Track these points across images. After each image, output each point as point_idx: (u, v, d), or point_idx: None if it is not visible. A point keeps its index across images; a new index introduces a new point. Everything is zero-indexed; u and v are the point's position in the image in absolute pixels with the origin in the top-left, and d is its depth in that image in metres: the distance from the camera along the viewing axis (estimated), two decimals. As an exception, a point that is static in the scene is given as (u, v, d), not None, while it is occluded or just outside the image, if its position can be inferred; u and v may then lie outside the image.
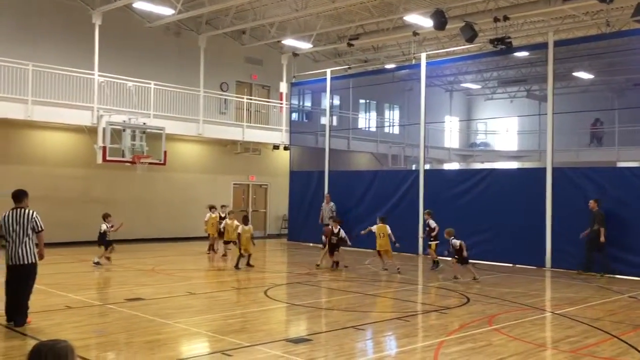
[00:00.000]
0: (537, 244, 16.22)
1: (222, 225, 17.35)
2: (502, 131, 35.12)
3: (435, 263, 15.59)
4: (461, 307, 10.39)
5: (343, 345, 7.67)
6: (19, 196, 8.55)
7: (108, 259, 15.34)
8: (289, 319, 9.93)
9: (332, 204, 20.69)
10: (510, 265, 16.45)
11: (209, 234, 18.41)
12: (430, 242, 15.82)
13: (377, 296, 11.49)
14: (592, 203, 14.72)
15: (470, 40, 18.60)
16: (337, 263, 15.30)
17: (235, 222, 16.23)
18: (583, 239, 14.86)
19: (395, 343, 8.19)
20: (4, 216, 8.43)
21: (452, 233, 14.01)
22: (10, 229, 8.31)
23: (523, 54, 22.82)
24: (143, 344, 7.55)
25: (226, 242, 17.05)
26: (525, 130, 32.59)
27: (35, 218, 8.43)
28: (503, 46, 17.71)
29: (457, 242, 13.73)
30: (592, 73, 28.30)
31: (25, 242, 8.33)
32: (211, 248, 18.26)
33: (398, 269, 14.60)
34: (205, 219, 18.39)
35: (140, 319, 9.00)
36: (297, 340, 7.78)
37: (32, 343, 7.38)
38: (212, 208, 18.55)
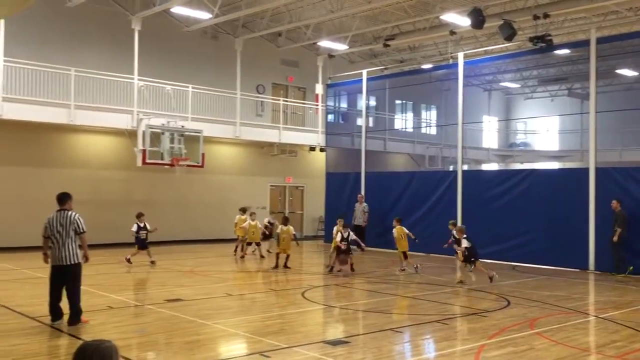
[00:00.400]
0: (580, 246, 15.83)
1: (245, 224, 17.38)
2: (542, 131, 34.46)
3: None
4: (501, 310, 10.20)
5: (381, 347, 7.61)
6: (63, 199, 8.79)
7: (128, 260, 15.63)
8: (327, 320, 9.92)
9: (365, 204, 20.57)
10: (552, 267, 16.08)
11: (237, 236, 18.20)
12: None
13: (415, 298, 11.38)
14: (614, 203, 14.81)
15: (509, 38, 18.31)
16: (352, 266, 14.67)
17: (257, 222, 16.90)
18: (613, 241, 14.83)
19: (434, 346, 8.08)
20: (49, 218, 8.69)
21: (463, 231, 13.94)
22: (55, 230, 8.55)
23: (564, 51, 22.35)
24: (183, 345, 7.64)
25: (249, 244, 17.29)
26: (566, 129, 31.92)
27: (77, 220, 8.63)
28: (543, 44, 17.36)
29: (465, 242, 13.46)
30: (636, 70, 27.54)
31: (68, 243, 8.54)
32: (238, 249, 18.03)
33: (416, 267, 14.66)
34: (235, 221, 18.21)
35: (179, 319, 9.11)
36: (335, 343, 7.76)
37: (76, 343, 7.55)
38: (244, 210, 18.27)
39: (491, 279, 13.30)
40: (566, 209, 16.27)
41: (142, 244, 15.67)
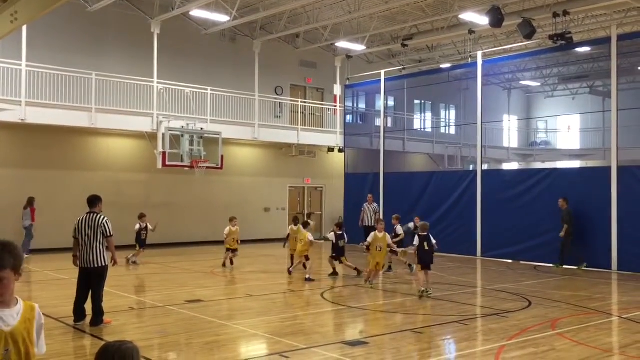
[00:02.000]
0: (602, 246, 15.63)
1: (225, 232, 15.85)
2: (563, 129, 34.07)
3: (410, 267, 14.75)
4: (522, 310, 10.12)
5: (400, 348, 7.60)
6: (93, 201, 8.97)
7: (132, 261, 16.01)
8: (346, 321, 9.92)
9: (375, 205, 20.46)
10: (574, 267, 15.90)
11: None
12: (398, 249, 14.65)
13: (435, 299, 11.33)
14: (561, 202, 16.03)
15: (529, 36, 18.16)
16: (356, 268, 14.12)
17: (237, 228, 15.62)
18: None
19: (454, 347, 8.05)
20: (78, 220, 8.85)
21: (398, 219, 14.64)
22: (83, 232, 8.70)
23: (585, 49, 22.10)
24: (203, 345, 7.70)
25: (229, 250, 15.77)
26: (588, 127, 31.51)
27: (105, 223, 8.76)
28: (563, 42, 17.19)
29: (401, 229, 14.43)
30: (659, 67, 27.09)
31: (96, 246, 8.67)
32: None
33: (410, 265, 14.68)
34: (226, 232, 15.98)
35: (200, 320, 9.18)
36: (354, 343, 7.76)
37: (98, 343, 7.65)
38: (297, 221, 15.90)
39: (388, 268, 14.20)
40: (588, 208, 16.08)
41: (142, 243, 16.24)
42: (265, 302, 11.34)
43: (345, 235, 14.54)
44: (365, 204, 20.59)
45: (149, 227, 16.34)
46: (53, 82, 18.24)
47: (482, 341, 8.26)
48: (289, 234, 15.68)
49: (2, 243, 2.96)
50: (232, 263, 15.86)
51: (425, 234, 11.61)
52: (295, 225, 15.28)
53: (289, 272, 14.43)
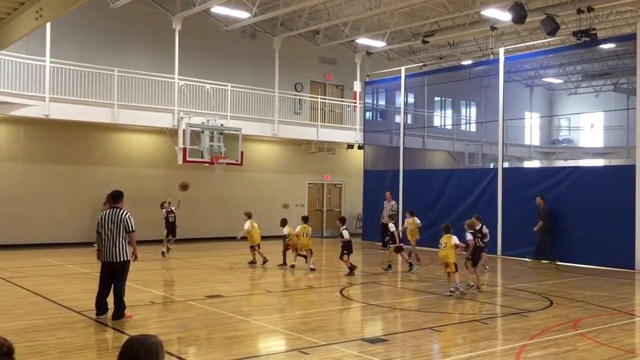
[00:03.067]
0: (626, 246, 15.39)
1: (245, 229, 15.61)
2: (586, 127, 33.60)
3: (389, 266, 14.88)
4: (543, 310, 10.02)
5: (420, 346, 7.56)
6: (116, 197, 9.08)
7: (166, 250, 16.59)
8: (365, 318, 9.91)
9: (393, 202, 20.30)
10: (596, 267, 15.70)
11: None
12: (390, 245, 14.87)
13: (456, 297, 11.26)
14: (538, 199, 16.81)
15: (552, 33, 17.90)
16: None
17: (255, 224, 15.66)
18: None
19: (474, 345, 7.99)
20: (102, 215, 8.97)
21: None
22: (106, 227, 8.80)
23: (609, 46, 21.74)
24: (222, 340, 7.74)
25: (251, 248, 15.82)
26: (612, 125, 31.04)
27: (127, 219, 8.86)
28: (587, 38, 16.93)
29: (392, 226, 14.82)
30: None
31: (119, 241, 8.77)
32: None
33: (410, 263, 14.83)
34: (246, 228, 15.71)
35: (219, 315, 9.24)
36: (373, 340, 7.75)
37: (120, 336, 7.74)
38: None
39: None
40: (611, 207, 15.85)
41: (171, 227, 16.75)
42: (284, 298, 11.37)
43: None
44: (384, 202, 20.50)
45: (172, 208, 16.84)
46: (76, 78, 18.45)
47: (502, 340, 8.19)
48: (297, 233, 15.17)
49: None
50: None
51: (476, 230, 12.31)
52: (306, 222, 15.25)
53: (293, 266, 15.11)
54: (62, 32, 18.49)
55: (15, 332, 7.69)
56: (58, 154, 19.57)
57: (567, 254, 16.41)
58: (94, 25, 20.25)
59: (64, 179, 19.57)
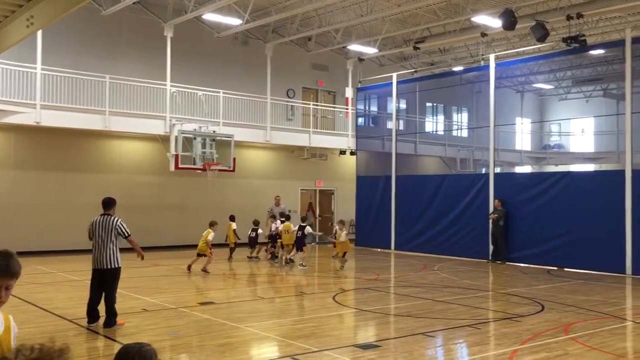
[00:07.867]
0: (617, 250, 15.50)
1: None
2: (577, 132, 33.83)
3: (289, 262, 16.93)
4: (535, 314, 10.06)
5: (412, 352, 7.58)
6: (108, 204, 9.06)
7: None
8: (358, 324, 9.91)
9: (283, 206, 20.46)
10: (587, 271, 15.78)
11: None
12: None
13: (447, 303, 11.30)
14: (496, 202, 18.00)
15: (542, 39, 18.05)
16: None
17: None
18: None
19: (466, 351, 8.02)
20: (93, 222, 8.93)
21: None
22: (97, 234, 8.78)
23: (599, 51, 21.95)
24: (215, 347, 7.73)
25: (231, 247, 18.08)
26: (602, 130, 31.27)
27: (120, 225, 8.85)
28: (577, 44, 17.08)
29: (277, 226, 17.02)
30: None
31: (110, 247, 8.76)
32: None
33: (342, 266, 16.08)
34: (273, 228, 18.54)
35: (212, 322, 9.22)
36: (366, 346, 7.76)
37: (112, 344, 7.72)
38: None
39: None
40: (602, 212, 15.96)
41: (253, 241, 18.37)
42: (276, 305, 11.36)
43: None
44: (272, 206, 20.73)
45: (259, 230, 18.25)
46: (67, 85, 18.42)
47: (494, 345, 8.22)
48: (280, 231, 17.49)
49: (9, 252, 2.93)
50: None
51: None
52: (288, 220, 17.52)
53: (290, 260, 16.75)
54: (53, 39, 18.46)
55: (6, 340, 7.63)
56: (49, 161, 19.50)
57: (558, 259, 16.49)
58: (86, 32, 20.23)
59: (55, 186, 19.49)
